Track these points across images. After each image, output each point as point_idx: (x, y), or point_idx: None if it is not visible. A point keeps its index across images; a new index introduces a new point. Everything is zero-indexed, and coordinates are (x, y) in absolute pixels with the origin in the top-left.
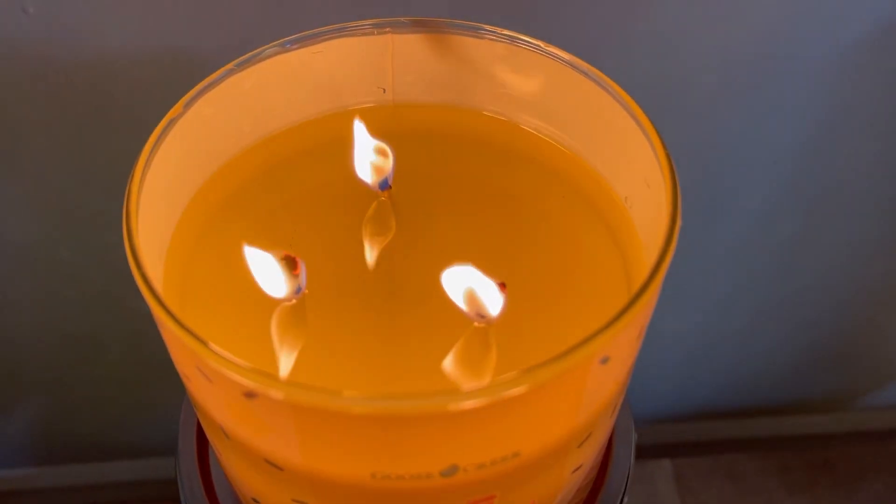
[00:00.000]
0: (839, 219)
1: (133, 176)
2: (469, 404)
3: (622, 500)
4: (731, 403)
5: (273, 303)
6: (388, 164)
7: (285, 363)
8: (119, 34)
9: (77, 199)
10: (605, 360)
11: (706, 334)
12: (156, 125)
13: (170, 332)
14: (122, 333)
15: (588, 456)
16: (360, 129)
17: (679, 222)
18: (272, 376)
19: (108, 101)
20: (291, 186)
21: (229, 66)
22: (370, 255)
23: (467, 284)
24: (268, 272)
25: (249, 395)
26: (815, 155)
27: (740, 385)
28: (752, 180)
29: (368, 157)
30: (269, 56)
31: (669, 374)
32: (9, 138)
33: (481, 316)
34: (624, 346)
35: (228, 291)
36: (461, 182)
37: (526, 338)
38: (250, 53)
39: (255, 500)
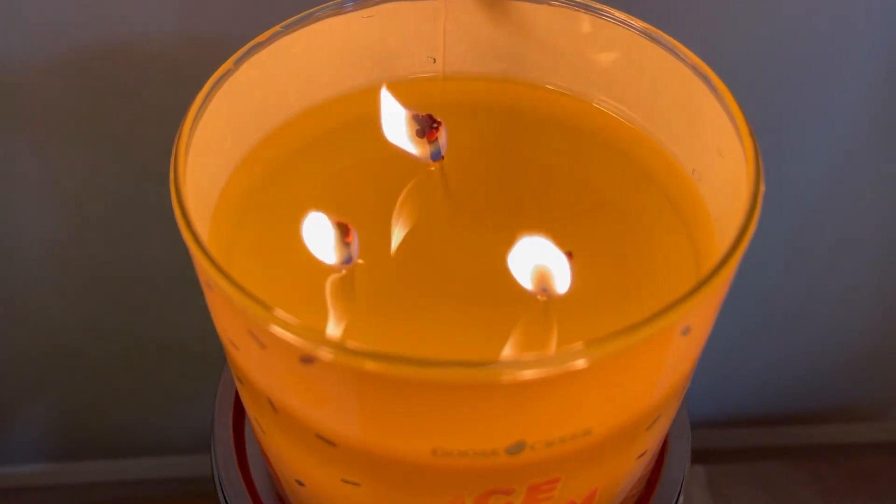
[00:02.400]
0: (889, 223)
1: (180, 135)
2: (546, 372)
3: (679, 494)
4: (767, 410)
5: (319, 272)
6: (443, 134)
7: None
8: (152, 16)
9: (102, 188)
10: (686, 331)
11: (743, 337)
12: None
13: (221, 295)
14: (142, 327)
15: (654, 441)
16: (388, 99)
17: (762, 186)
18: (334, 339)
19: (139, 86)
20: (338, 158)
21: (276, 28)
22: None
23: (533, 258)
24: (321, 236)
25: (306, 359)
26: (869, 154)
27: (777, 391)
28: (802, 177)
29: (408, 127)
30: (319, 19)
31: (703, 379)
32: (37, 126)
33: (545, 290)
34: (705, 316)
35: (273, 262)
36: (513, 157)
37: (587, 317)
38: (300, 15)
39: (299, 481)
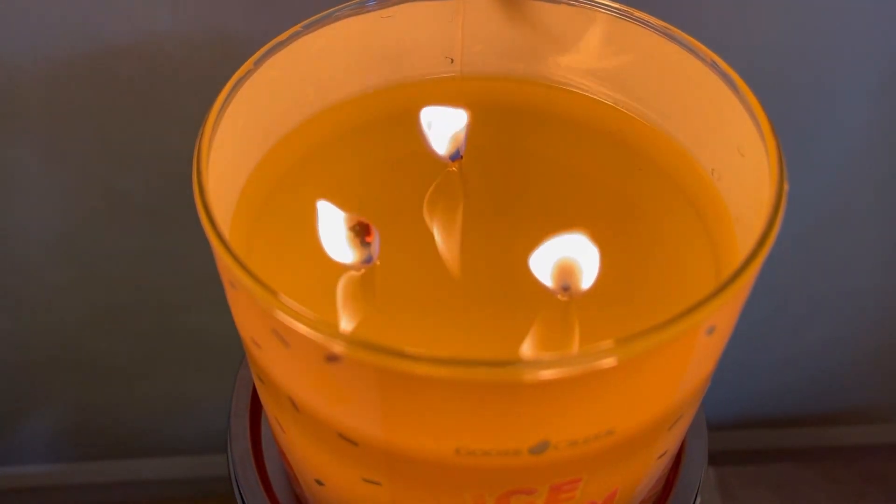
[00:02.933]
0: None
1: (202, 134)
2: (574, 371)
3: (697, 495)
4: (778, 412)
5: (339, 270)
6: (462, 133)
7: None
8: (170, 16)
9: (115, 189)
10: (711, 331)
11: (755, 339)
12: (204, 111)
13: (245, 294)
14: (158, 329)
15: (674, 441)
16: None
17: (787, 184)
18: (362, 338)
19: (152, 86)
20: (357, 156)
21: (297, 27)
22: (436, 230)
23: (558, 254)
24: (336, 235)
25: (332, 358)
26: (882, 151)
27: (788, 393)
28: (811, 179)
29: (443, 126)
30: (338, 19)
31: (715, 379)
32: (49, 126)
33: (565, 287)
34: (730, 315)
35: (293, 260)
36: (531, 157)
37: (606, 316)
38: (319, 15)
39: (318, 481)
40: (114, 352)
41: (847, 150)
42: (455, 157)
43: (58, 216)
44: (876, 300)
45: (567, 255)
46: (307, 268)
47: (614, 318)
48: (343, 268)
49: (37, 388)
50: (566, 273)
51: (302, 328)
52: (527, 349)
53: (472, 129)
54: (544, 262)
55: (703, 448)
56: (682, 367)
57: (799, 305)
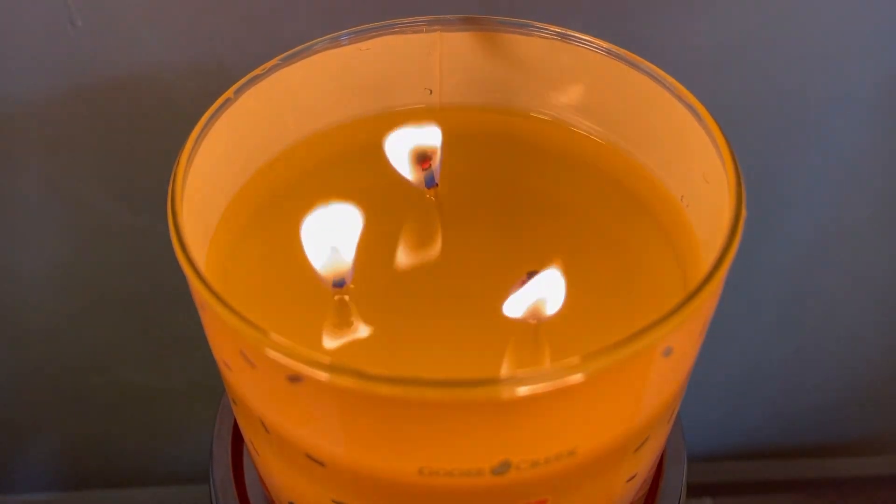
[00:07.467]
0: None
1: (179, 161)
2: (526, 390)
3: None
4: (777, 443)
5: (314, 295)
6: (437, 154)
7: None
8: (164, 46)
9: (112, 215)
10: (668, 352)
11: (750, 369)
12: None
13: (213, 315)
14: (151, 357)
15: (643, 465)
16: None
17: (744, 210)
18: (318, 357)
19: (150, 114)
20: (335, 185)
21: (275, 60)
22: (405, 255)
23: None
24: (319, 255)
25: (294, 378)
26: (869, 182)
27: (785, 424)
28: (804, 205)
29: (412, 147)
30: (317, 51)
31: (712, 409)
32: (56, 156)
33: (534, 315)
34: (687, 338)
35: (269, 290)
36: (508, 185)
37: (577, 341)
38: (299, 48)
39: (292, 503)
40: (111, 381)
41: (840, 183)
42: (430, 183)
43: (57, 248)
44: (875, 334)
45: (534, 291)
46: (284, 292)
47: (586, 341)
48: (318, 291)
49: (34, 417)
50: (534, 309)
51: (264, 349)
52: (504, 371)
53: (450, 158)
54: (517, 301)
55: (681, 475)
56: (641, 388)
57: (799, 338)
